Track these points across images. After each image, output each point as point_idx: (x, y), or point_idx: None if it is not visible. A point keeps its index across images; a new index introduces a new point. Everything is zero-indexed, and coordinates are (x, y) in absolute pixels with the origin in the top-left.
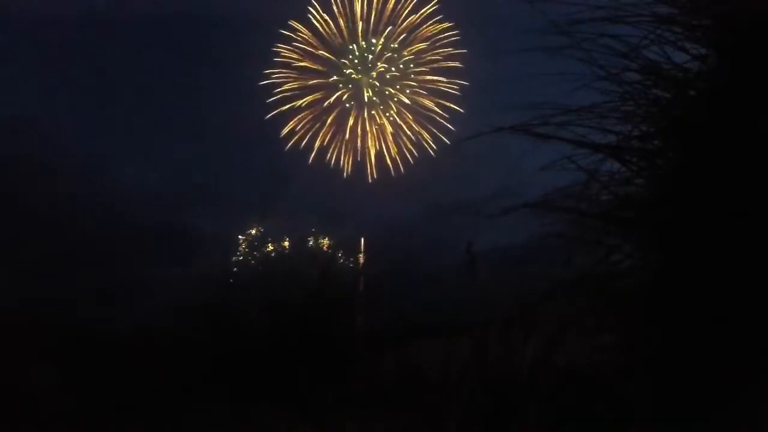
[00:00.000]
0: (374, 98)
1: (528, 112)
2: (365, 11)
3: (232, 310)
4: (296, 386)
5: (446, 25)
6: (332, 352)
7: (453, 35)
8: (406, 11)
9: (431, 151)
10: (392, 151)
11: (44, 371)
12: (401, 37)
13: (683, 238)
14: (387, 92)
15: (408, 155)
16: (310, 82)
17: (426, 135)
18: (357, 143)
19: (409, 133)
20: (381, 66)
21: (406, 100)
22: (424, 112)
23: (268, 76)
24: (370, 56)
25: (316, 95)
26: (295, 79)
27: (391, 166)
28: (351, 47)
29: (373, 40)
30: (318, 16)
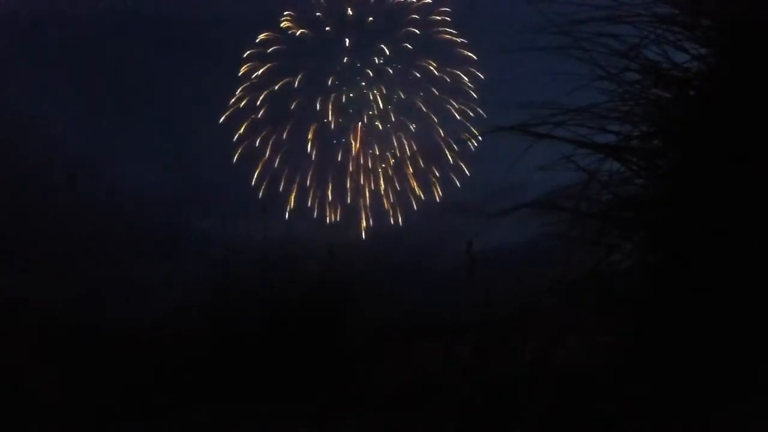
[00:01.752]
0: (372, 136)
1: (528, 112)
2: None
3: (231, 310)
4: (296, 386)
5: (458, 39)
6: (332, 352)
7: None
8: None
9: (437, 196)
10: (391, 196)
11: (44, 371)
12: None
13: (683, 238)
14: (388, 125)
15: (412, 197)
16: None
17: (434, 172)
18: (347, 185)
19: (413, 182)
20: (377, 92)
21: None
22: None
23: (234, 106)
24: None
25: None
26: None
27: (390, 212)
28: (338, 68)
29: (374, 59)
30: (293, 24)
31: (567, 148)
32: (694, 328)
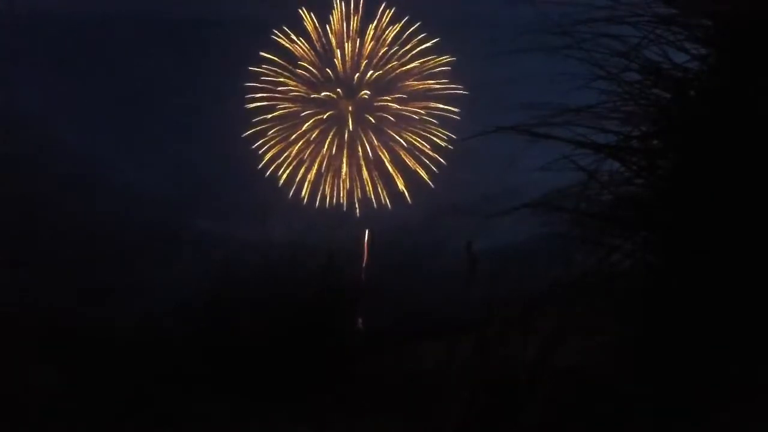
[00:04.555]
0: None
1: (528, 112)
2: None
3: (232, 310)
4: (296, 386)
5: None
6: (332, 352)
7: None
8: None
9: (429, 182)
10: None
11: (44, 371)
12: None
13: (683, 238)
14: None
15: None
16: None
17: (421, 171)
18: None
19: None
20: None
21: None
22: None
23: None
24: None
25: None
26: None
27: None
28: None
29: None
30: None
31: (567, 148)
32: (694, 327)
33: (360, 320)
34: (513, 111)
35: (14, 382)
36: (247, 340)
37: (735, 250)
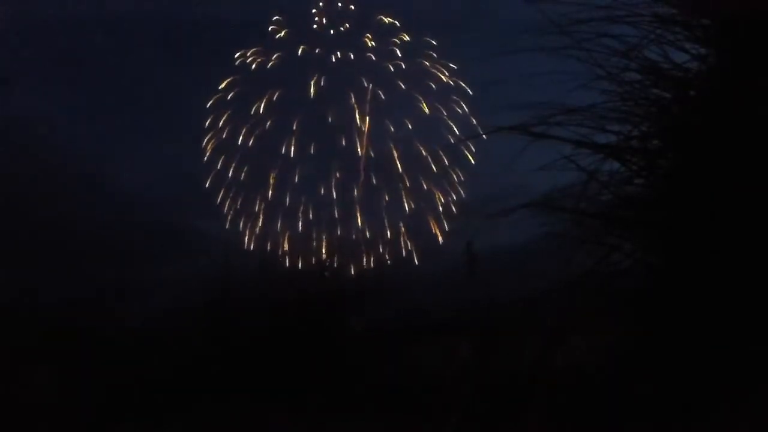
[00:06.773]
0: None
1: (528, 112)
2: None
3: (231, 310)
4: (295, 386)
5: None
6: (332, 352)
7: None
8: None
9: (439, 237)
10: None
11: (44, 371)
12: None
13: (683, 238)
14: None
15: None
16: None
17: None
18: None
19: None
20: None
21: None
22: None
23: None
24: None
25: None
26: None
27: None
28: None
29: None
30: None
31: (567, 148)
32: (694, 327)
33: (360, 320)
34: (513, 111)
35: (14, 382)
36: (247, 340)
37: (735, 249)
